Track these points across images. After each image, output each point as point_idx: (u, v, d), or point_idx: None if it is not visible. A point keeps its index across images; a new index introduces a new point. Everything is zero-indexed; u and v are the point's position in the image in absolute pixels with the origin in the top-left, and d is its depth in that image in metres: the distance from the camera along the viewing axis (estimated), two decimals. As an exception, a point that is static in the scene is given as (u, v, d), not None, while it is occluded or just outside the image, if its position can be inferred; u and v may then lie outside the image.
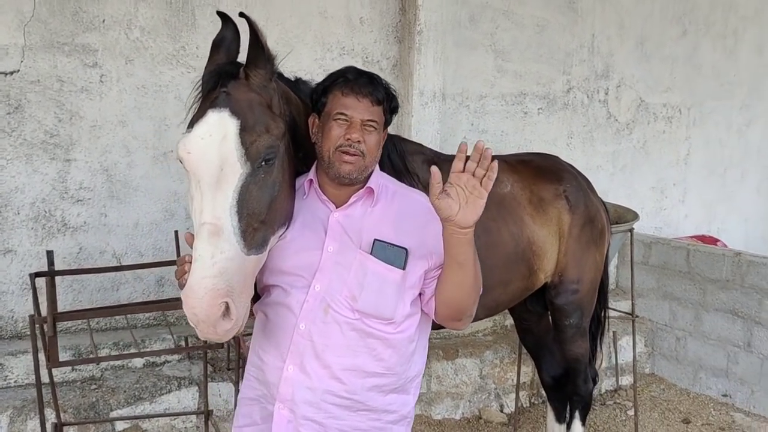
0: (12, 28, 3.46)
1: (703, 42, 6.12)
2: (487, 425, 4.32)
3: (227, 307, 1.67)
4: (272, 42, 4.31)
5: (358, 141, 1.82)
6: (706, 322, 4.87)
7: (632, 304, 4.31)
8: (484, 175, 1.66)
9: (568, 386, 3.48)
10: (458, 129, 4.89)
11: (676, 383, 5.07)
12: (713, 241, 5.70)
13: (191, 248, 1.69)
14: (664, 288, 5.13)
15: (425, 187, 2.62)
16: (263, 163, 1.74)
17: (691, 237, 5.75)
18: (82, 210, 3.73)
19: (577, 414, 3.48)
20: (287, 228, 1.89)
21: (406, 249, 1.84)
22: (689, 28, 6.01)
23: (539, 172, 3.17)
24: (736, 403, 4.70)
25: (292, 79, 2.09)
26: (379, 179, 1.95)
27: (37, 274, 2.98)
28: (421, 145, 2.91)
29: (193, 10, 3.88)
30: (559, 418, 3.60)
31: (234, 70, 1.81)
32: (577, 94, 5.45)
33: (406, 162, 2.58)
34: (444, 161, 2.87)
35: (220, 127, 1.72)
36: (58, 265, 3.32)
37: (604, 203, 3.48)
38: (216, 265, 1.65)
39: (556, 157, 3.50)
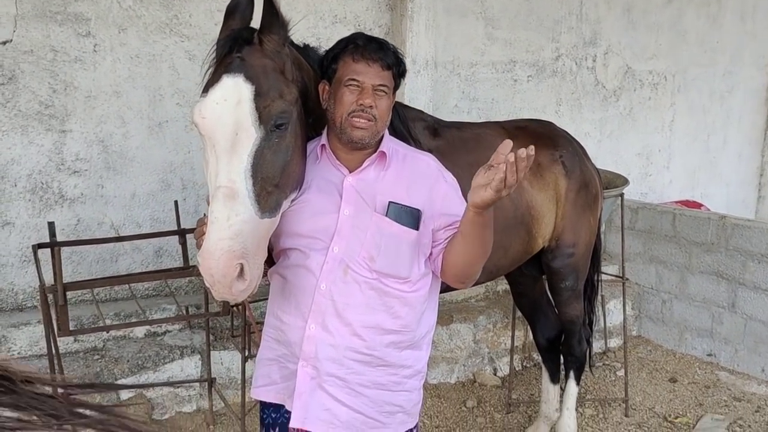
0: (4, -3, 3.41)
1: (688, 9, 6.18)
2: (481, 388, 4.42)
3: (242, 268, 1.71)
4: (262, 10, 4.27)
5: (371, 106, 1.86)
6: (691, 285, 5.00)
7: (622, 267, 4.41)
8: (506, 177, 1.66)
9: (563, 347, 3.59)
10: (449, 97, 4.92)
11: (663, 344, 5.21)
12: (697, 205, 5.82)
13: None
14: (651, 252, 5.25)
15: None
16: (276, 127, 1.77)
17: (676, 202, 5.86)
18: (78, 181, 3.72)
19: (571, 374, 3.60)
20: (299, 192, 1.93)
21: (419, 210, 1.90)
22: (674, -5, 6.07)
23: (536, 138, 3.20)
24: (721, 362, 4.85)
25: (301, 46, 2.11)
26: (390, 143, 2.00)
27: (40, 245, 2.99)
28: (422, 111, 2.94)
29: (186, -22, 3.84)
30: (554, 379, 3.71)
31: (248, 35, 1.83)
32: (566, 61, 5.49)
33: (408, 128, 2.62)
34: (444, 127, 2.92)
35: (235, 91, 1.75)
36: (57, 237, 3.32)
37: (597, 169, 3.55)
38: (232, 227, 1.70)
39: (551, 123, 3.55)
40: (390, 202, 1.89)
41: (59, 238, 3.51)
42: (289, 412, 1.97)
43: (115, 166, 3.80)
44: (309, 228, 1.91)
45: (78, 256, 3.77)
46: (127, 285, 3.61)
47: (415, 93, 4.49)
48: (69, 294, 3.65)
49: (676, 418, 4.12)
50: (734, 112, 6.76)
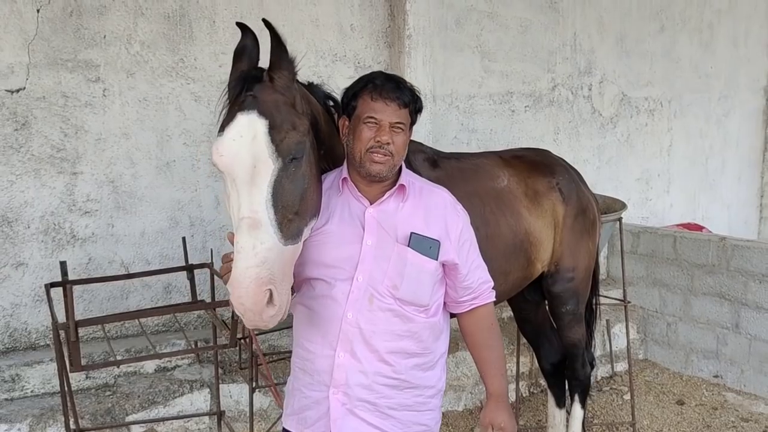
0: (17, 47, 3.55)
1: (680, 36, 6.31)
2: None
3: (271, 294, 1.78)
4: (266, 51, 4.43)
5: (388, 143, 1.96)
6: (695, 307, 5.04)
7: (624, 290, 4.46)
8: None
9: (567, 371, 3.62)
10: (449, 129, 5.04)
11: (669, 367, 5.23)
12: (698, 228, 5.88)
13: (233, 246, 1.81)
14: (653, 275, 5.29)
15: None
16: (293, 158, 1.86)
17: (677, 225, 5.93)
18: (89, 221, 3.83)
19: (576, 397, 3.62)
20: (318, 219, 2.01)
21: (438, 241, 2.02)
22: (666, 24, 6.21)
23: (533, 166, 3.31)
24: (728, 383, 4.86)
25: (305, 84, 2.22)
26: (407, 177, 2.10)
27: (53, 284, 3.09)
28: (421, 143, 3.03)
29: (191, 23, 3.99)
30: (559, 403, 3.74)
31: (258, 74, 1.93)
32: (562, 91, 5.61)
33: (408, 160, 2.72)
34: (443, 158, 3.01)
35: (250, 127, 1.84)
36: (69, 276, 3.42)
37: (594, 195, 3.63)
38: (258, 255, 1.77)
39: (548, 151, 3.64)
40: (412, 233, 2.00)
41: (71, 276, 3.61)
42: None
43: (125, 205, 3.91)
44: (333, 258, 2.00)
45: (89, 294, 3.86)
46: (137, 321, 3.70)
47: (414, 126, 4.60)
48: (81, 331, 3.73)
49: (684, 440, 4.13)
50: (731, 136, 6.85)
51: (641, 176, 6.24)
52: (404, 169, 2.11)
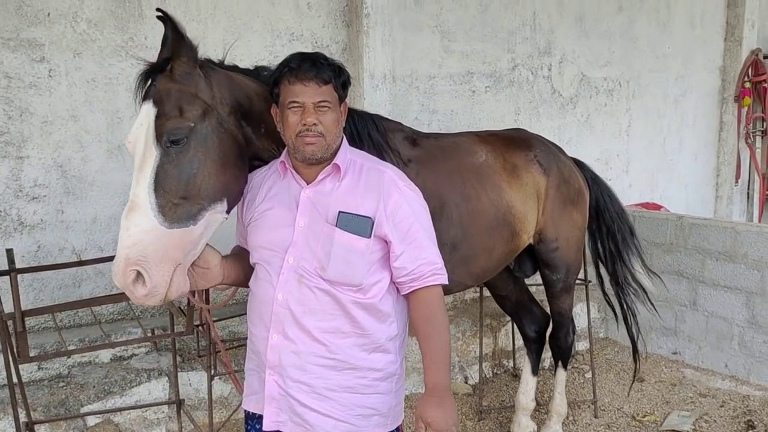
0: (-46, 25, 3.38)
1: (639, 17, 6.34)
2: (453, 397, 4.45)
3: (138, 275, 1.90)
4: (221, 30, 4.33)
5: (314, 123, 1.93)
6: (654, 285, 5.09)
7: (585, 270, 4.48)
8: None
9: (551, 340, 3.77)
10: (409, 110, 4.98)
11: (629, 345, 5.28)
12: (657, 207, 5.95)
13: None
14: (614, 255, 5.33)
15: (406, 163, 2.77)
16: (171, 143, 1.96)
17: (636, 205, 5.99)
18: (38, 207, 3.69)
19: (560, 363, 3.81)
20: (233, 204, 2.09)
21: (371, 218, 1.96)
22: (624, 4, 6.22)
23: (509, 141, 3.38)
24: (686, 359, 4.95)
25: (248, 68, 2.32)
26: (348, 155, 2.06)
27: (-1, 273, 2.96)
28: (400, 123, 3.05)
29: (140, 1, 3.84)
30: (534, 371, 3.85)
31: (165, 64, 2.04)
32: (522, 71, 5.60)
33: (387, 139, 2.74)
34: (422, 138, 3.02)
35: (147, 116, 1.99)
36: (17, 264, 3.28)
37: (578, 165, 3.67)
38: (131, 237, 1.89)
39: (523, 129, 3.72)
40: (340, 211, 1.96)
41: (19, 265, 3.47)
42: (259, 426, 2.05)
43: (75, 190, 3.77)
44: (268, 240, 1.99)
45: (39, 283, 3.73)
46: (90, 310, 3.59)
47: (374, 107, 4.54)
48: (31, 322, 3.63)
49: (644, 416, 4.19)
50: (689, 116, 6.94)
51: (600, 156, 6.28)
52: (345, 148, 2.07)
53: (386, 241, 1.99)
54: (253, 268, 2.11)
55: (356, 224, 1.94)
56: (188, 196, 1.95)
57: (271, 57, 4.27)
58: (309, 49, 4.39)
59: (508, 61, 5.50)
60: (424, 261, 2.02)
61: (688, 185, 7.04)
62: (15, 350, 2.74)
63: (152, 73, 2.06)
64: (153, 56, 3.91)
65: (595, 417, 4.21)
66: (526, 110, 5.66)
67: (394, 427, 2.11)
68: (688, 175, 7.05)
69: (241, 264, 2.18)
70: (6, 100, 3.55)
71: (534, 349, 3.86)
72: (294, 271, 1.95)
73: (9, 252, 3.00)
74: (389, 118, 4.45)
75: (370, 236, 1.95)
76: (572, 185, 3.46)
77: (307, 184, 2.02)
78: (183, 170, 1.96)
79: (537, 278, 3.70)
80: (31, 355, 2.75)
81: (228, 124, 2.09)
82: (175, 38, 2.01)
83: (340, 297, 1.96)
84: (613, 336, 5.43)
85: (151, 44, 3.89)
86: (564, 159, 3.54)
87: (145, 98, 2.03)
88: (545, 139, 3.59)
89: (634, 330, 3.93)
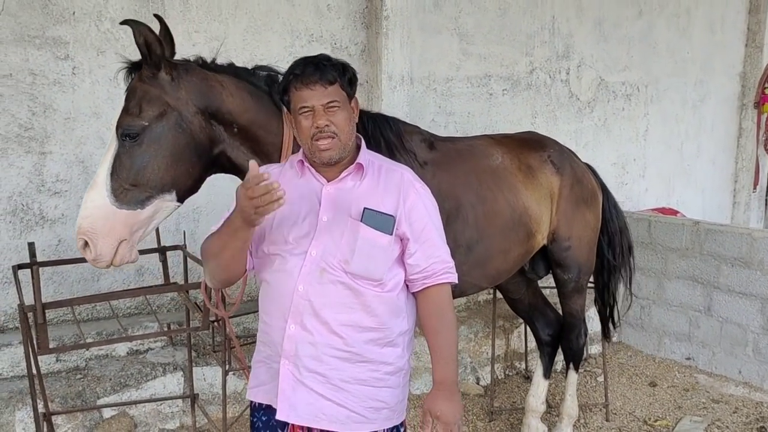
0: (-18, 23, 3.46)
1: (658, 21, 6.33)
2: (464, 397, 4.47)
3: (86, 243, 2.30)
4: (241, 30, 4.36)
5: (327, 125, 1.97)
6: (668, 290, 5.09)
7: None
8: None
9: (562, 342, 3.77)
10: (426, 112, 5.01)
11: (642, 350, 5.29)
12: (673, 212, 5.93)
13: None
14: (628, 259, 5.33)
15: (422, 165, 2.81)
16: (125, 137, 2.28)
17: (652, 209, 5.97)
18: (59, 202, 3.75)
19: (571, 365, 3.81)
20: (184, 194, 2.41)
21: (393, 216, 2.01)
22: (644, 9, 6.21)
23: (523, 143, 3.42)
24: (699, 365, 4.93)
25: (249, 68, 2.61)
26: (366, 155, 2.12)
27: (20, 266, 3.02)
28: (418, 126, 3.11)
29: (163, 1, 3.90)
30: (546, 374, 3.84)
31: (138, 65, 2.38)
32: (540, 74, 5.60)
33: (403, 140, 2.79)
34: (439, 141, 3.07)
35: (120, 109, 2.35)
36: (38, 258, 3.35)
37: (590, 167, 3.71)
38: (86, 209, 2.29)
39: (536, 132, 3.78)
40: (365, 207, 2.00)
41: (40, 258, 3.54)
42: (265, 417, 2.08)
43: (96, 186, 3.83)
44: (290, 234, 2.02)
45: (59, 276, 3.80)
46: (108, 304, 3.64)
47: (391, 108, 4.57)
48: (51, 314, 3.70)
49: (656, 421, 4.18)
50: (707, 121, 6.90)
51: (617, 161, 6.27)
52: (363, 149, 2.12)
53: (402, 239, 2.04)
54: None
55: (380, 221, 1.99)
56: (138, 184, 2.29)
57: (291, 57, 4.31)
58: (328, 51, 4.48)
59: (526, 65, 5.51)
60: (437, 259, 2.08)
61: (705, 190, 7.01)
62: (35, 342, 2.81)
63: (131, 71, 2.39)
64: (176, 56, 3.99)
65: (607, 420, 4.21)
66: (543, 114, 5.67)
67: (399, 422, 2.14)
68: (706, 181, 7.01)
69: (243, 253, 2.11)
70: (30, 96, 3.62)
71: (547, 353, 3.86)
72: (317, 264, 1.98)
73: (30, 246, 3.06)
74: (406, 121, 4.54)
75: (392, 234, 2.00)
76: (586, 185, 3.49)
77: (327, 181, 2.06)
78: (134, 162, 2.28)
79: (551, 281, 3.71)
80: (51, 347, 2.80)
81: (189, 124, 2.37)
82: (143, 44, 2.27)
83: (361, 291, 1.99)
84: (626, 340, 5.43)
85: (172, 43, 3.95)
86: (576, 160, 3.58)
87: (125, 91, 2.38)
88: (557, 142, 3.62)
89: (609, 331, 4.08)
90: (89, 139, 3.79)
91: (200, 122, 2.39)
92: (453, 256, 3.03)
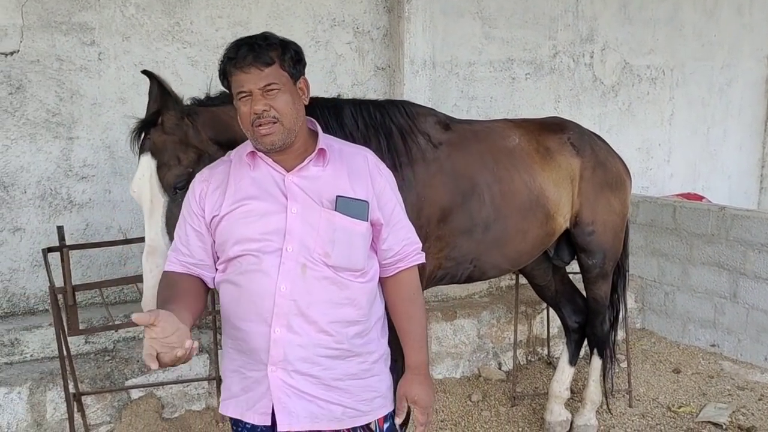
0: (10, 9, 3.50)
1: (684, 3, 6.22)
2: (486, 382, 4.48)
3: None
4: (264, 15, 4.39)
5: (264, 110, 1.83)
6: (693, 276, 5.04)
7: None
8: None
9: (587, 328, 3.76)
10: (448, 96, 4.99)
11: (666, 336, 5.26)
12: (698, 198, 5.86)
13: None
14: (652, 245, 5.29)
15: (436, 146, 2.80)
16: (177, 189, 2.22)
17: (677, 195, 5.90)
18: (87, 187, 3.81)
19: (595, 351, 3.79)
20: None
21: (367, 201, 1.92)
22: (670, -10, 6.12)
23: (543, 126, 3.41)
24: (724, 351, 4.89)
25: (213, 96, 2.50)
26: (325, 140, 1.99)
27: (50, 249, 3.08)
28: (432, 108, 3.09)
29: (186, -15, 3.93)
30: (572, 361, 3.83)
31: (155, 118, 2.27)
32: (563, 58, 5.55)
33: (415, 122, 2.76)
34: (455, 123, 3.06)
35: (147, 168, 2.23)
36: (66, 241, 3.41)
37: (616, 153, 3.65)
38: (155, 277, 2.15)
39: (559, 117, 3.76)
40: (338, 196, 1.89)
41: (68, 242, 3.60)
42: (249, 425, 1.95)
43: (122, 171, 3.88)
44: (259, 231, 1.87)
45: (87, 260, 3.86)
46: (135, 287, 3.69)
47: (414, 93, 4.56)
48: (79, 297, 3.75)
49: (680, 407, 4.16)
50: (734, 105, 6.79)
51: (642, 145, 6.20)
52: (321, 133, 2.00)
53: (374, 225, 1.97)
54: (198, 279, 1.97)
55: (354, 208, 1.90)
56: None
57: (313, 42, 4.32)
58: (350, 35, 4.48)
59: (549, 48, 5.45)
60: (407, 241, 2.03)
61: (731, 176, 6.91)
62: (65, 323, 2.86)
63: (145, 127, 2.27)
64: (198, 41, 4.03)
65: (630, 407, 4.19)
66: (566, 98, 5.62)
67: (392, 408, 2.07)
68: (732, 166, 6.91)
69: (196, 294, 1.95)
70: (58, 82, 3.66)
71: (574, 340, 3.82)
72: (296, 260, 1.85)
73: (60, 229, 3.12)
74: (429, 106, 4.53)
75: (367, 220, 1.92)
76: (609, 169, 3.44)
77: (288, 170, 1.92)
78: None
79: (576, 267, 3.70)
80: (80, 328, 2.85)
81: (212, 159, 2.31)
82: (162, 94, 2.23)
83: (346, 283, 1.90)
84: (649, 327, 5.39)
85: (196, 29, 3.97)
86: (599, 142, 3.53)
87: (142, 151, 2.26)
88: (580, 126, 3.58)
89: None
90: (115, 124, 3.84)
91: (224, 154, 2.24)
92: (471, 234, 2.98)
